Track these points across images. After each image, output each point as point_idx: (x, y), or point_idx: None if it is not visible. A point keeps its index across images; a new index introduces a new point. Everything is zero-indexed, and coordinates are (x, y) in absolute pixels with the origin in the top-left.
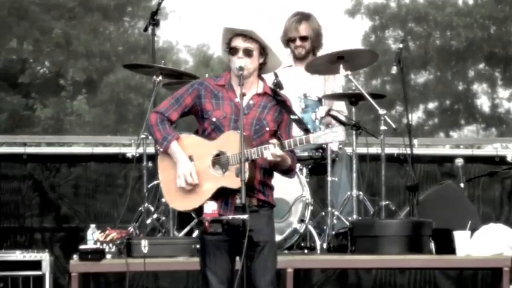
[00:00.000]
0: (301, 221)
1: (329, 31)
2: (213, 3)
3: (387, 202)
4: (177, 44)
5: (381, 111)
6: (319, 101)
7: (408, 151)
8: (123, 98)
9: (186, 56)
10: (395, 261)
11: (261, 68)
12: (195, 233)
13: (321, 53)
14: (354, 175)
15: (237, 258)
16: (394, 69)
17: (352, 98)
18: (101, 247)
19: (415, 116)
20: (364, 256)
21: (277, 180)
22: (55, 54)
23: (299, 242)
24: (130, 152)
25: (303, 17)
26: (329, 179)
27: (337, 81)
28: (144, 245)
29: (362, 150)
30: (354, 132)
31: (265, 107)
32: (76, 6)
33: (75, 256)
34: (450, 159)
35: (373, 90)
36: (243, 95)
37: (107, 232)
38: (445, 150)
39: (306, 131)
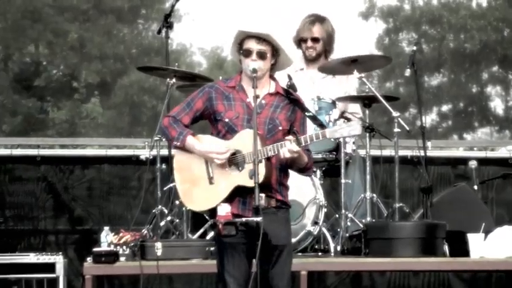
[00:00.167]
0: (315, 223)
1: (343, 34)
2: (226, 5)
3: (401, 204)
4: (191, 47)
5: (395, 114)
6: (333, 103)
7: (422, 153)
8: (137, 100)
9: (199, 58)
10: (409, 263)
11: (272, 68)
12: (209, 235)
13: (332, 57)
14: (368, 177)
15: (254, 260)
16: (407, 72)
17: (366, 100)
18: (114, 249)
19: (429, 119)
20: (378, 258)
21: (291, 182)
22: (69, 57)
23: (313, 244)
24: (144, 154)
25: (317, 19)
26: (343, 181)
27: (351, 83)
28: (158, 247)
29: (376, 152)
30: (367, 134)
31: (277, 107)
32: (90, 9)
33: (89, 258)
34: (464, 161)
35: (386, 93)
36: (256, 96)
37: (121, 234)
38: (459, 152)
39: (322, 126)
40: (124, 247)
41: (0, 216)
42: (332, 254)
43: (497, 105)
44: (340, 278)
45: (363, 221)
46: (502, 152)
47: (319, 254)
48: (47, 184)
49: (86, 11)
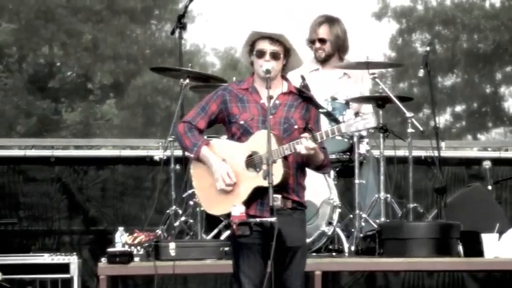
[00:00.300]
0: (329, 223)
1: (356, 34)
2: (240, 6)
3: (415, 204)
4: (204, 47)
5: (408, 114)
6: (347, 104)
7: (436, 154)
8: (150, 101)
9: (213, 59)
10: (423, 263)
11: (282, 69)
12: (223, 236)
13: (347, 57)
14: (382, 178)
15: (269, 261)
16: (421, 72)
17: (380, 101)
18: (129, 250)
19: (443, 119)
20: (392, 259)
21: (305, 182)
22: (82, 58)
23: (327, 245)
24: (158, 154)
25: (326, 20)
26: (357, 181)
27: (364, 84)
28: (172, 247)
29: (389, 152)
30: (381, 135)
31: (291, 106)
32: (103, 9)
33: (103, 259)
34: (478, 161)
35: (400, 93)
36: (270, 97)
37: (135, 235)
38: (473, 152)
39: (336, 121)
40: (138, 247)
41: (15, 217)
42: (346, 254)
43: (511, 106)
44: (355, 278)
45: (377, 221)
46: None
47: (333, 254)
48: (61, 185)
49: (99, 12)
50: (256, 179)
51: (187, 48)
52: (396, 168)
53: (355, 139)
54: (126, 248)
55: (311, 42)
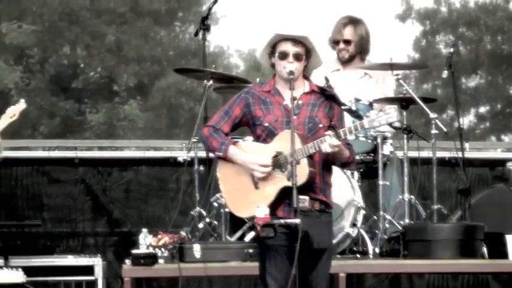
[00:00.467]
0: (353, 225)
1: (380, 36)
2: (263, 7)
3: (439, 206)
4: (228, 49)
5: (432, 115)
6: (370, 105)
7: (460, 155)
8: (174, 102)
9: (237, 60)
10: (447, 265)
11: (304, 69)
12: (248, 237)
13: (369, 58)
14: (406, 179)
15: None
16: (445, 74)
17: (403, 102)
18: (153, 252)
19: (467, 120)
20: (417, 260)
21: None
22: (106, 59)
23: (351, 247)
24: (182, 156)
25: (350, 21)
26: (380, 182)
27: (388, 85)
28: (197, 249)
29: (413, 154)
30: (405, 136)
31: (315, 105)
32: (127, 11)
33: (127, 261)
34: (502, 162)
35: (424, 94)
36: (294, 98)
37: (159, 236)
38: (497, 153)
39: (359, 117)
40: (162, 249)
41: (39, 218)
42: (370, 256)
43: None
44: (379, 280)
45: (401, 222)
46: None
47: (358, 256)
48: (85, 186)
49: (123, 14)
50: (282, 180)
51: (211, 50)
52: (420, 170)
53: (378, 140)
54: (151, 249)
55: (335, 43)
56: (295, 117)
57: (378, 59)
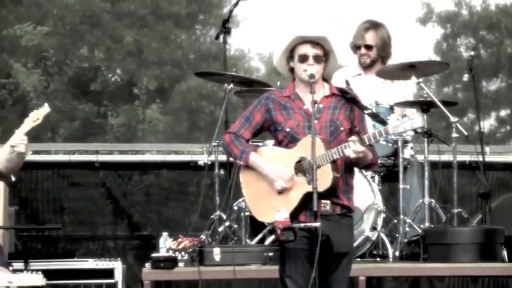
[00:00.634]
0: (373, 228)
1: (401, 39)
2: (285, 11)
3: (459, 210)
4: (249, 52)
5: (453, 119)
6: (391, 108)
7: (480, 158)
8: (195, 106)
9: (258, 64)
10: (468, 269)
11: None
12: (268, 241)
13: (390, 62)
14: (426, 182)
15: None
16: (465, 77)
17: (424, 106)
18: (173, 255)
19: (487, 124)
20: (437, 264)
21: None
22: (126, 62)
23: (371, 250)
24: (202, 159)
25: (372, 25)
26: (401, 186)
27: (408, 88)
28: (217, 252)
29: (434, 157)
30: (425, 139)
31: (335, 108)
32: (147, 14)
33: (147, 264)
34: None
35: (444, 98)
36: (314, 102)
37: (179, 240)
38: None
39: (383, 122)
40: (182, 253)
41: (59, 221)
42: (390, 260)
43: None
44: (399, 283)
45: (422, 226)
46: None
47: (378, 259)
48: (105, 190)
49: (143, 17)
50: (305, 185)
51: (231, 53)
52: (441, 173)
53: (399, 144)
54: (171, 253)
55: (356, 47)
56: (316, 121)
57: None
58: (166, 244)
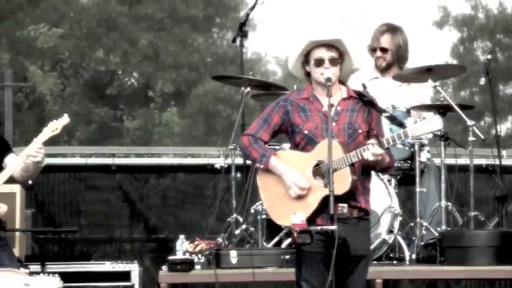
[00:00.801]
0: (390, 231)
1: (418, 43)
2: (302, 14)
3: (476, 213)
4: (266, 56)
5: (470, 122)
6: (408, 112)
7: (497, 162)
8: (211, 109)
9: (274, 67)
10: (484, 272)
11: None
12: (284, 244)
13: (407, 66)
14: (443, 186)
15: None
16: (482, 81)
17: (441, 109)
18: (190, 258)
19: (504, 127)
20: (453, 267)
21: None
22: (143, 66)
23: (388, 253)
24: (219, 162)
25: (389, 29)
26: (417, 189)
27: (425, 92)
28: (233, 255)
29: (450, 161)
30: (442, 143)
31: (353, 110)
32: (164, 18)
33: (164, 267)
34: None
35: (461, 101)
36: (331, 105)
37: (196, 243)
38: None
39: (401, 125)
40: (199, 255)
41: (76, 224)
42: (407, 263)
43: None
44: (415, 286)
45: (438, 229)
46: None
47: (394, 262)
48: (122, 193)
49: (160, 20)
50: (324, 189)
51: (248, 57)
52: (457, 177)
53: (416, 147)
54: (187, 256)
55: (372, 50)
56: (334, 124)
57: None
58: (183, 247)
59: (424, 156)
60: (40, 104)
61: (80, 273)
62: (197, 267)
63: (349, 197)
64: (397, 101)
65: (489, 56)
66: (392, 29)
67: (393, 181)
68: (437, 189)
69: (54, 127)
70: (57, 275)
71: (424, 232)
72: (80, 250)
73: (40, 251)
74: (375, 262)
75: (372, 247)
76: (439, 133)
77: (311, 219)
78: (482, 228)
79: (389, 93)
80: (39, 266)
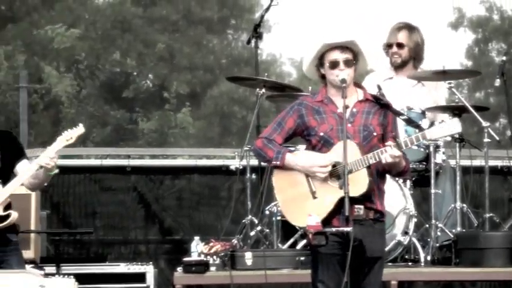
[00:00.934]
0: (405, 233)
1: (433, 44)
2: (317, 15)
3: (491, 214)
4: (281, 57)
5: (485, 124)
6: (423, 113)
7: None
8: (226, 110)
9: (289, 68)
10: (499, 273)
11: None
12: (299, 245)
13: (422, 67)
14: (458, 187)
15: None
16: (497, 82)
17: (456, 111)
18: (205, 259)
19: None
20: (469, 268)
21: None
22: (158, 68)
23: (403, 255)
24: (234, 164)
25: (406, 26)
26: (433, 191)
27: (440, 93)
28: (248, 257)
29: (466, 162)
30: (457, 144)
31: (369, 113)
32: (179, 19)
33: (179, 268)
34: None
35: (476, 103)
36: (346, 107)
37: (211, 244)
38: None
39: (419, 128)
40: (214, 257)
41: (91, 226)
42: (422, 264)
43: None
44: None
45: (453, 231)
46: None
47: (409, 264)
48: (137, 194)
49: (175, 22)
50: (340, 190)
51: (263, 58)
52: (472, 178)
53: (431, 149)
54: (202, 257)
55: (388, 46)
56: (349, 125)
57: (430, 67)
58: (198, 248)
59: (439, 157)
60: (55, 105)
61: (95, 274)
62: (212, 268)
63: (365, 198)
64: (412, 102)
65: (504, 58)
66: (409, 27)
67: (408, 182)
68: (453, 191)
69: (68, 136)
70: (72, 276)
71: (439, 234)
72: (95, 251)
73: (55, 252)
74: (390, 264)
75: (386, 248)
76: (456, 135)
77: (327, 221)
78: (498, 229)
79: (404, 94)
80: (54, 268)
